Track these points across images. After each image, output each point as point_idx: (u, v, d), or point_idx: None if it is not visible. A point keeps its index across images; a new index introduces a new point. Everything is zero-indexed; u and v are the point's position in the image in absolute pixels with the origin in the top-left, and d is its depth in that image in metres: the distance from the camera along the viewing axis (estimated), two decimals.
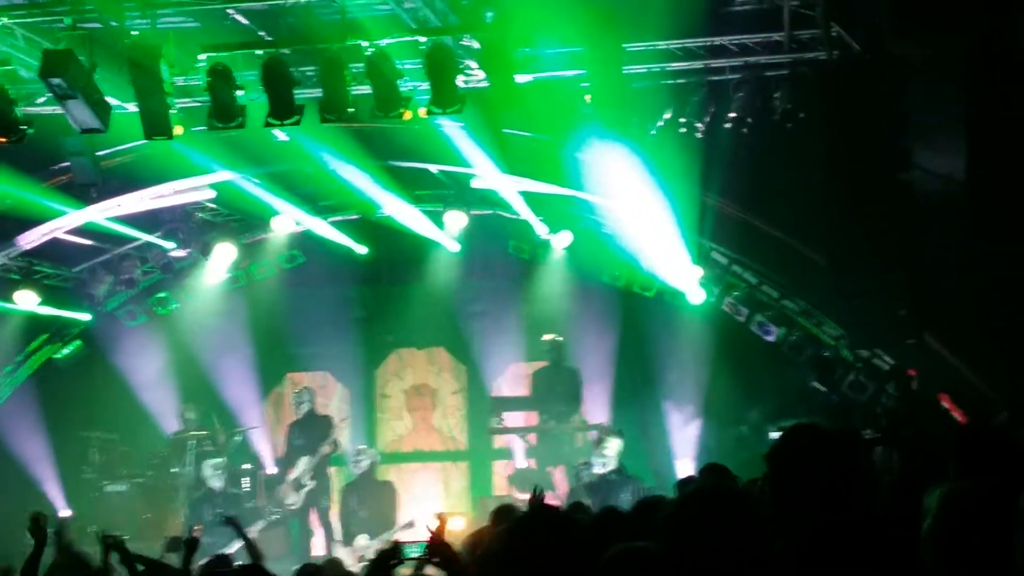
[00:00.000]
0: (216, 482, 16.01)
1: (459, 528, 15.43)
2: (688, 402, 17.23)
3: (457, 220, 17.39)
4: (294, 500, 16.45)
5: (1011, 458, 5.23)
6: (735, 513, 3.83)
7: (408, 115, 12.58)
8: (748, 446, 15.41)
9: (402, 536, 14.83)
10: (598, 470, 13.42)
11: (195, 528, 10.34)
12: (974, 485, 4.13)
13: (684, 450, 16.99)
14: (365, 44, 12.07)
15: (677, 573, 3.88)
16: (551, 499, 12.71)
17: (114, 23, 12.08)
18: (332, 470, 17.22)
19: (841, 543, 3.86)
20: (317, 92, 12.60)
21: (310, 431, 16.84)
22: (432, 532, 6.13)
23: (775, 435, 14.91)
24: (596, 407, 17.23)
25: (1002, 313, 12.51)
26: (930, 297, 12.89)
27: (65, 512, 17.26)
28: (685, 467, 16.32)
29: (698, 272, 16.42)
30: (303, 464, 16.49)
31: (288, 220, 17.58)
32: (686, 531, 3.84)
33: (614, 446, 13.56)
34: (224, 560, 9.42)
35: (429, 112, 12.43)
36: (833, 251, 12.80)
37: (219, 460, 16.27)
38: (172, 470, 16.99)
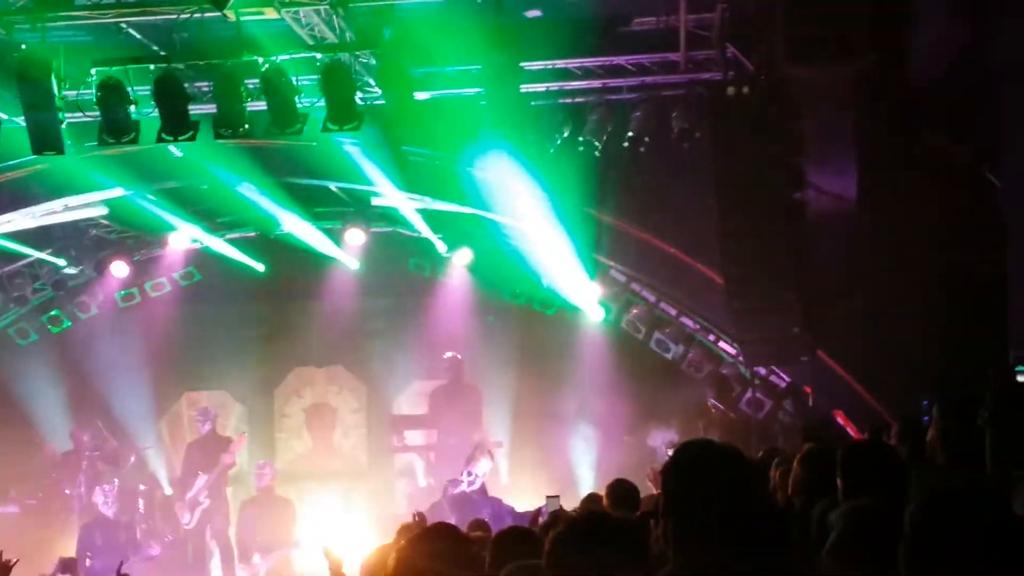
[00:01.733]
0: (107, 508, 15.71)
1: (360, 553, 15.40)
2: (588, 419, 17.32)
3: (356, 237, 17.29)
4: (188, 519, 16.21)
5: (896, 473, 5.33)
6: (620, 536, 3.85)
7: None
8: (647, 463, 15.49)
9: (294, 556, 14.78)
10: (464, 488, 13.52)
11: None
12: (876, 501, 4.21)
13: (584, 467, 17.06)
14: (261, 60, 11.96)
15: None
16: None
17: (2, 36, 11.84)
18: (229, 490, 17.01)
19: (732, 564, 3.87)
20: (212, 108, 12.46)
21: (209, 451, 16.62)
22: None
23: (670, 452, 15.04)
24: (496, 425, 17.24)
25: (891, 330, 12.73)
26: (823, 315, 13.09)
27: None
28: (585, 484, 16.37)
29: (597, 290, 16.52)
30: (199, 482, 16.27)
31: (184, 237, 17.35)
32: (570, 553, 3.84)
33: (483, 466, 13.70)
34: None
35: (326, 129, 12.34)
36: (727, 269, 12.94)
37: (111, 485, 15.97)
38: (65, 491, 16.64)
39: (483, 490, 13.76)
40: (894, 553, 3.25)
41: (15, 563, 8.79)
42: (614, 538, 3.93)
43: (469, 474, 13.76)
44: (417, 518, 10.14)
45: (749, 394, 15.87)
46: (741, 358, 15.52)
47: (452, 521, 11.20)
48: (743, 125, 12.66)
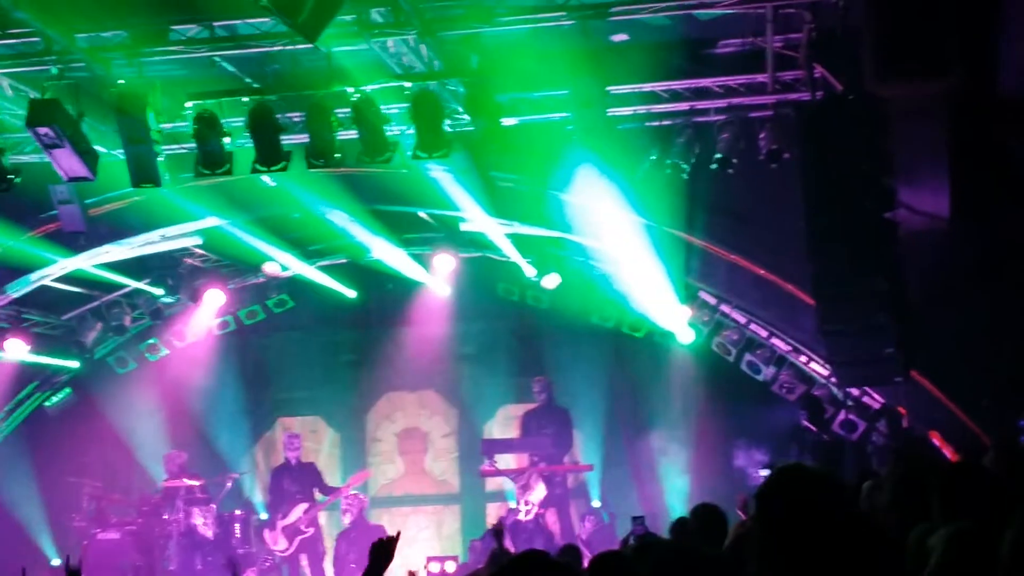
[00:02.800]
0: (207, 529, 15.94)
1: (452, 571, 15.49)
2: (678, 442, 17.26)
3: (446, 263, 17.42)
4: (284, 546, 16.38)
5: (993, 497, 5.25)
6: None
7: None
8: (738, 486, 15.39)
9: None
10: (520, 517, 13.42)
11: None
12: (978, 525, 4.15)
13: (674, 489, 17.00)
14: (351, 90, 12.12)
15: None
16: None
17: (100, 72, 12.14)
18: (323, 515, 17.19)
19: None
20: (304, 138, 12.64)
21: (302, 477, 16.80)
22: None
23: (764, 474, 14.94)
24: (587, 447, 17.24)
25: (987, 349, 12.53)
26: (916, 334, 12.91)
27: (55, 561, 17.20)
28: (676, 507, 16.31)
29: (687, 312, 16.46)
30: (299, 511, 16.44)
31: (277, 265, 17.59)
32: None
33: (539, 493, 13.60)
34: None
35: (415, 157, 12.47)
36: (818, 290, 12.82)
37: (210, 507, 16.21)
38: (163, 517, 16.90)
39: (537, 519, 13.67)
40: None
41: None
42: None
43: (526, 503, 13.67)
44: (496, 527, 10.10)
45: (842, 416, 15.69)
46: (833, 379, 15.36)
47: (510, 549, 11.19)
48: (832, 144, 12.53)
